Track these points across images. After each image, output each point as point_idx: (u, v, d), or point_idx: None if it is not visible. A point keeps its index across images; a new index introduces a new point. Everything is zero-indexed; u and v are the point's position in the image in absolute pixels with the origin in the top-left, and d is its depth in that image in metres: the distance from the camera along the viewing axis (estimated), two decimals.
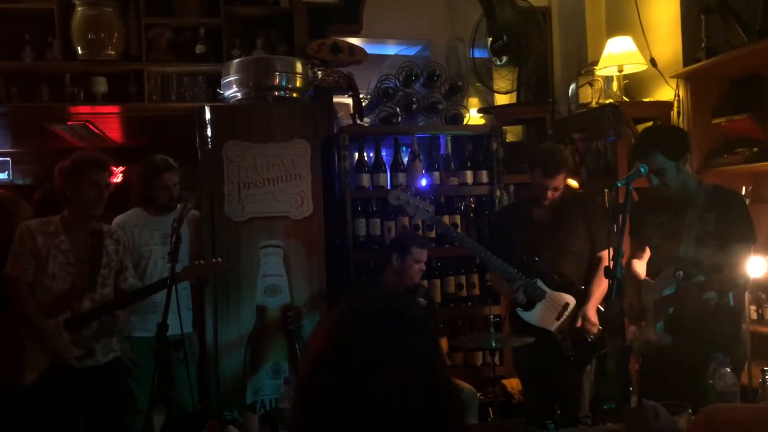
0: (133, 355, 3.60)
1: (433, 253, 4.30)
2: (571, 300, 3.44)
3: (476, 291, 4.39)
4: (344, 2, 4.94)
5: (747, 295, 3.10)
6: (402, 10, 6.19)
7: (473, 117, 5.00)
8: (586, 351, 3.44)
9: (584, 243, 3.50)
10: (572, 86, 4.59)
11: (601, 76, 4.33)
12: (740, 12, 3.53)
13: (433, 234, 4.28)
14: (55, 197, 3.48)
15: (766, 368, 2.29)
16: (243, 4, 4.80)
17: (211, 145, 3.81)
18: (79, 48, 4.56)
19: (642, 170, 2.88)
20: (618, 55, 4.08)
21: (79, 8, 4.53)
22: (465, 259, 4.36)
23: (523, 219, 3.53)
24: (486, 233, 4.20)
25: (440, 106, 4.62)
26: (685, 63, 3.93)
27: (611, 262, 2.63)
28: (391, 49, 6.52)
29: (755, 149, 3.56)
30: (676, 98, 4.02)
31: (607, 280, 2.71)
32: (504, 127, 4.69)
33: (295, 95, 4.11)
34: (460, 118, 4.61)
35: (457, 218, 4.33)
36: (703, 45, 3.68)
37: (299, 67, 4.13)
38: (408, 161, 4.36)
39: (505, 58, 4.93)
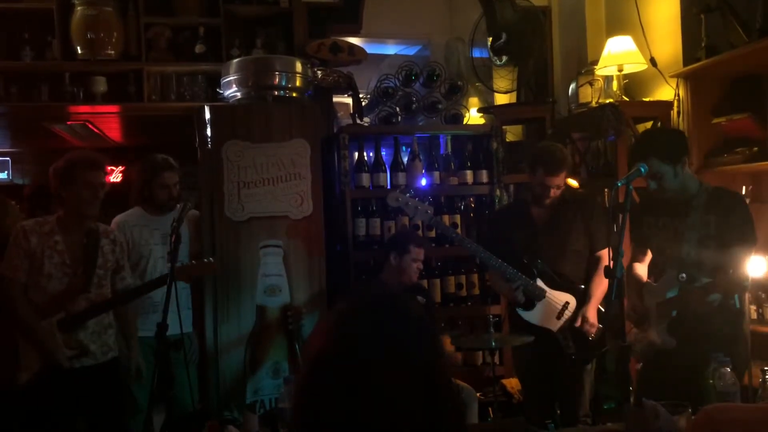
0: None
1: (433, 252, 4.30)
2: (571, 299, 3.44)
3: (476, 291, 4.39)
4: (344, 2, 4.94)
5: (747, 294, 3.10)
6: (401, 9, 6.20)
7: (473, 117, 5.00)
8: (587, 350, 3.44)
9: (583, 242, 3.50)
10: (572, 86, 4.59)
11: (601, 76, 4.33)
12: (740, 11, 3.53)
13: (433, 234, 4.28)
14: (45, 191, 3.47)
15: (766, 368, 2.29)
16: (242, 4, 4.80)
17: (211, 144, 3.80)
18: (78, 48, 4.56)
19: (642, 170, 2.87)
20: (618, 55, 4.08)
21: (78, 8, 4.53)
22: (465, 258, 4.36)
23: (522, 218, 3.53)
24: (485, 233, 4.20)
25: (440, 106, 4.62)
26: (685, 62, 3.93)
27: (611, 262, 2.63)
28: (390, 49, 6.52)
29: (755, 149, 3.56)
30: (676, 98, 4.02)
31: (607, 280, 2.71)
32: (504, 127, 4.69)
33: (294, 95, 4.11)
34: (459, 117, 4.61)
35: (457, 218, 4.33)
36: (703, 44, 3.68)
37: (299, 66, 4.13)
38: (408, 161, 4.36)
39: (504, 58, 4.93)
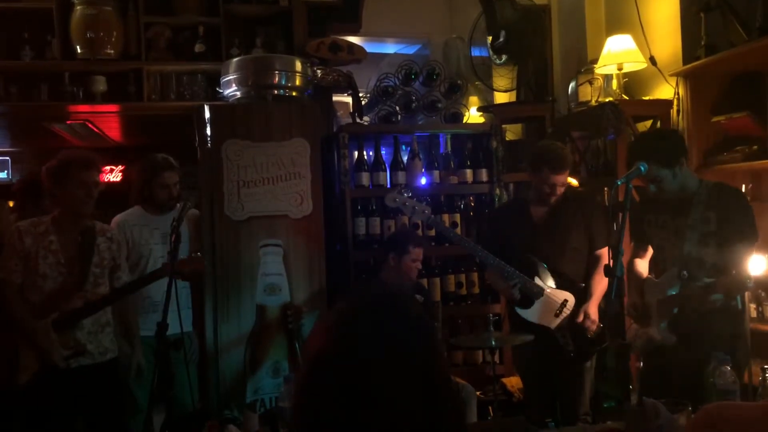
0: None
1: (433, 251, 4.30)
2: (570, 297, 3.44)
3: (476, 289, 4.39)
4: (343, 1, 4.93)
5: (747, 293, 3.10)
6: (401, 8, 6.20)
7: (473, 115, 5.00)
8: (586, 347, 3.44)
9: (583, 240, 3.50)
10: (572, 84, 4.59)
11: (601, 75, 4.33)
12: (740, 10, 3.53)
13: (433, 232, 4.28)
14: (34, 185, 3.46)
15: (766, 366, 2.29)
16: (242, 3, 4.80)
17: (211, 144, 3.80)
18: (78, 47, 4.56)
19: (642, 168, 2.87)
20: (617, 54, 4.08)
21: (78, 7, 4.53)
22: (465, 257, 4.36)
23: (522, 217, 3.53)
24: (484, 232, 4.20)
25: (440, 105, 4.62)
26: (685, 61, 3.93)
27: (611, 261, 2.63)
28: (390, 48, 6.52)
29: (754, 147, 3.56)
30: (676, 96, 4.02)
31: (607, 278, 2.71)
32: (503, 126, 4.69)
33: (294, 94, 4.11)
34: (459, 116, 4.61)
35: (457, 217, 4.33)
36: (702, 43, 3.67)
37: (298, 65, 4.13)
38: (407, 160, 4.36)
39: (504, 57, 4.93)
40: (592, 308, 3.40)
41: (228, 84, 4.05)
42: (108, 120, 5.26)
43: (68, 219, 3.15)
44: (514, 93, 5.13)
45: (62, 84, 4.61)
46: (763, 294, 3.53)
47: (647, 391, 2.73)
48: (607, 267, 2.67)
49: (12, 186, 4.55)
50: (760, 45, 3.31)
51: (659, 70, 4.14)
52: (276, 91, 4.03)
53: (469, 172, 4.40)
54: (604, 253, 2.84)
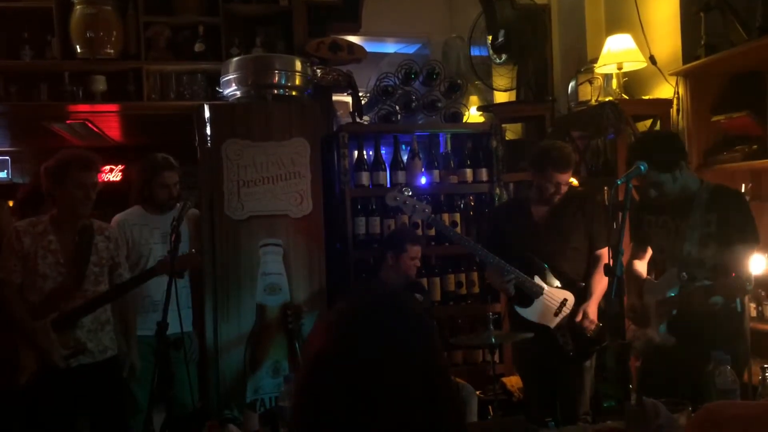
0: None
1: (433, 251, 4.30)
2: (570, 296, 3.44)
3: (476, 289, 4.39)
4: (343, 1, 4.93)
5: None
6: (401, 8, 6.21)
7: (473, 115, 5.00)
8: (585, 346, 3.45)
9: (583, 240, 3.50)
10: (572, 84, 4.59)
11: (601, 74, 4.33)
12: (740, 9, 3.53)
13: (433, 232, 4.28)
14: (37, 194, 3.46)
15: (765, 366, 2.29)
16: (242, 3, 4.81)
17: (211, 143, 3.80)
18: (78, 46, 4.56)
19: (642, 168, 2.87)
20: (617, 53, 4.08)
21: (77, 7, 4.53)
22: (465, 257, 4.36)
23: (523, 216, 3.53)
24: (485, 231, 4.20)
25: (440, 104, 4.62)
26: (685, 60, 3.93)
27: (611, 260, 2.63)
28: (390, 47, 6.52)
29: (754, 146, 3.56)
30: (676, 96, 4.02)
31: (607, 277, 2.71)
32: (503, 125, 4.69)
33: (294, 94, 4.11)
34: (459, 116, 4.61)
35: (457, 216, 4.33)
36: (702, 42, 3.67)
37: (298, 65, 4.13)
38: (407, 159, 4.36)
39: (504, 56, 4.93)
40: (592, 308, 3.40)
41: (228, 83, 4.05)
42: (108, 120, 5.26)
43: (66, 219, 3.15)
44: (513, 92, 5.12)
45: (62, 84, 4.61)
46: (763, 293, 3.53)
47: (647, 390, 2.72)
48: (607, 266, 2.66)
49: (17, 189, 4.55)
50: (760, 44, 3.31)
51: (659, 69, 4.14)
52: (276, 91, 4.03)
53: (469, 172, 4.40)
54: (605, 253, 2.84)
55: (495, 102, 5.36)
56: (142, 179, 3.81)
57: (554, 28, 5.04)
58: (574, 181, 4.13)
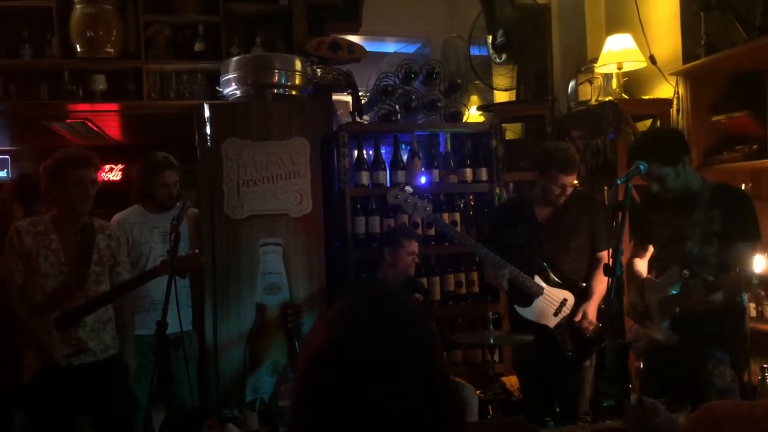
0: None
1: (433, 250, 4.31)
2: (570, 296, 3.44)
3: (476, 288, 4.39)
4: (343, 0, 4.93)
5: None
6: (401, 8, 6.21)
7: (472, 114, 5.00)
8: (584, 346, 3.45)
9: (584, 241, 3.50)
10: (572, 84, 4.59)
11: (601, 74, 4.33)
12: (740, 9, 3.53)
13: (433, 231, 4.28)
14: (26, 185, 3.46)
15: (765, 365, 2.29)
16: (242, 2, 4.81)
17: (211, 142, 3.80)
18: (77, 46, 4.56)
19: (642, 167, 2.87)
20: (617, 53, 4.08)
21: (77, 6, 4.53)
22: (464, 256, 4.36)
23: (525, 215, 3.53)
24: (486, 230, 4.20)
25: (439, 104, 4.62)
26: (685, 60, 3.93)
27: (610, 260, 2.63)
28: (390, 47, 6.53)
29: (754, 146, 3.56)
30: (676, 95, 4.02)
31: (608, 279, 2.71)
32: (503, 125, 4.69)
33: (294, 93, 4.11)
34: (459, 115, 4.61)
35: (457, 216, 4.33)
36: (702, 42, 3.67)
37: (298, 64, 4.13)
38: (407, 159, 4.36)
39: (504, 56, 4.93)
40: (591, 308, 3.40)
41: (228, 83, 4.05)
42: (108, 119, 5.26)
43: (67, 217, 3.15)
44: (513, 92, 5.12)
45: (62, 83, 4.61)
46: (762, 293, 3.53)
47: (648, 390, 2.73)
48: (606, 266, 2.66)
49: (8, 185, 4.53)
50: (760, 44, 3.31)
51: (659, 69, 4.14)
52: (276, 90, 4.03)
53: (468, 171, 4.40)
54: (606, 255, 2.83)
55: (495, 101, 5.35)
56: (142, 178, 3.81)
57: (554, 27, 5.04)
58: (575, 182, 4.13)
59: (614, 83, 4.24)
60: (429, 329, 1.12)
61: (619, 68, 4.14)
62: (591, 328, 3.39)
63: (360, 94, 4.56)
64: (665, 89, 4.12)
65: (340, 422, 1.01)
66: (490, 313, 3.24)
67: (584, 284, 3.48)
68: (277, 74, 4.04)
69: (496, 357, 4.23)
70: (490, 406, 3.93)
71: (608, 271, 2.66)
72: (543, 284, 3.42)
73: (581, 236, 3.49)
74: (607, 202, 4.02)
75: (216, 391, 3.73)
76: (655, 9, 4.26)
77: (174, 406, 3.43)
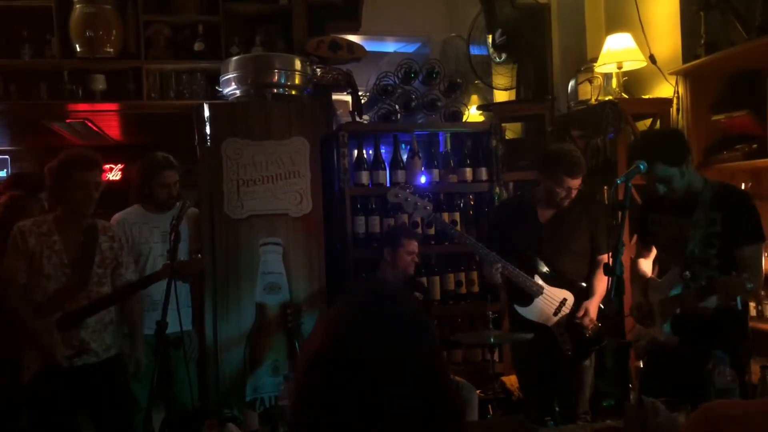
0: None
1: (433, 250, 4.31)
2: (569, 296, 3.44)
3: (475, 288, 4.39)
4: (343, 0, 4.93)
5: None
6: (400, 7, 6.21)
7: (472, 114, 5.00)
8: (584, 346, 3.45)
9: (585, 243, 3.50)
10: (571, 83, 4.59)
11: (601, 73, 4.33)
12: (740, 8, 3.53)
13: (432, 231, 4.28)
14: (20, 184, 3.46)
15: (765, 365, 2.29)
16: (242, 2, 4.81)
17: (210, 142, 3.80)
18: (77, 45, 4.56)
19: (641, 167, 2.86)
20: (617, 52, 4.08)
21: (77, 6, 4.53)
22: (464, 256, 4.36)
23: (528, 217, 3.52)
24: (485, 230, 4.20)
25: (439, 104, 4.62)
26: (685, 60, 3.93)
27: (610, 259, 2.62)
28: (389, 47, 6.52)
29: (754, 146, 3.56)
30: (676, 95, 4.02)
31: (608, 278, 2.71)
32: (503, 124, 4.69)
33: (294, 93, 4.11)
34: (459, 115, 4.61)
35: (457, 215, 4.33)
36: (702, 41, 3.67)
37: (298, 64, 4.12)
38: (407, 158, 4.36)
39: (504, 55, 4.93)
40: (593, 306, 3.40)
41: (227, 82, 4.05)
42: (107, 118, 5.26)
43: (70, 218, 3.15)
44: (513, 91, 5.12)
45: (62, 82, 4.61)
46: (762, 293, 3.53)
47: (648, 390, 2.72)
48: (606, 266, 2.66)
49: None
50: (760, 43, 3.31)
51: (659, 68, 4.14)
52: (275, 90, 4.03)
53: (468, 171, 4.40)
54: (607, 257, 2.83)
55: (495, 101, 5.35)
56: (141, 178, 3.81)
57: (554, 26, 5.04)
58: None
59: (614, 83, 4.24)
60: (429, 329, 1.12)
61: (619, 68, 4.14)
62: (591, 326, 3.39)
63: (360, 93, 4.56)
64: (665, 89, 4.12)
65: (340, 422, 1.01)
66: (490, 313, 3.24)
67: (584, 284, 3.48)
68: (276, 74, 4.04)
69: (495, 356, 4.23)
70: (490, 406, 3.94)
71: (608, 270, 2.66)
72: (543, 284, 3.43)
73: (582, 238, 3.50)
74: (607, 202, 4.02)
75: (216, 391, 3.73)
76: (655, 8, 4.26)
77: (174, 406, 3.43)
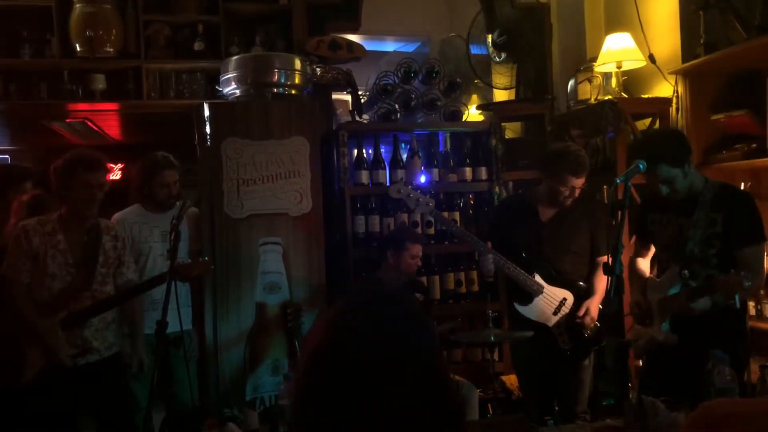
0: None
1: (433, 249, 4.31)
2: (569, 295, 3.45)
3: (475, 287, 4.40)
4: None
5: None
6: (400, 7, 6.20)
7: (472, 114, 5.00)
8: (583, 346, 3.45)
9: (586, 242, 3.51)
10: (571, 82, 4.59)
11: (600, 73, 4.33)
12: (739, 8, 3.53)
13: (432, 231, 4.28)
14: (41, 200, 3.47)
15: (765, 365, 2.29)
16: (241, 1, 4.81)
17: (210, 142, 3.80)
18: (77, 45, 4.56)
19: (641, 166, 2.86)
20: (617, 52, 4.08)
21: (77, 5, 4.53)
22: (464, 255, 4.36)
23: (529, 216, 3.52)
24: (485, 229, 4.20)
25: (439, 103, 4.62)
26: (684, 59, 3.93)
27: (610, 259, 2.63)
28: (389, 46, 6.51)
29: (753, 145, 3.56)
30: (675, 94, 4.02)
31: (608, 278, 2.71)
32: (503, 124, 4.69)
33: (293, 92, 4.11)
34: (458, 114, 4.61)
35: (456, 215, 4.33)
36: (701, 41, 3.67)
37: (298, 64, 4.13)
38: (407, 158, 4.36)
39: (503, 54, 4.93)
40: (594, 305, 3.41)
41: (227, 82, 4.05)
42: (107, 118, 5.26)
43: (74, 218, 3.16)
44: (513, 91, 5.12)
45: (61, 82, 4.61)
46: (761, 292, 3.53)
47: (647, 389, 2.73)
48: (605, 265, 2.67)
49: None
50: (760, 43, 3.31)
51: (658, 68, 4.15)
52: (275, 90, 4.03)
53: (468, 171, 4.41)
54: (607, 258, 2.83)
55: (494, 100, 5.35)
56: (141, 178, 3.82)
57: (554, 26, 5.04)
58: None
59: (614, 82, 4.24)
60: (428, 328, 1.12)
61: (619, 67, 4.14)
62: (591, 325, 3.40)
63: (359, 93, 4.56)
64: (664, 88, 4.12)
65: (340, 422, 1.02)
66: (490, 312, 3.24)
67: (584, 284, 3.48)
68: (276, 73, 4.04)
69: (495, 356, 4.23)
70: (489, 405, 3.94)
71: (608, 269, 2.66)
72: (543, 283, 3.43)
73: (582, 238, 3.50)
74: (606, 201, 4.02)
75: (216, 390, 3.73)
76: (655, 8, 4.27)
77: (174, 405, 3.44)
